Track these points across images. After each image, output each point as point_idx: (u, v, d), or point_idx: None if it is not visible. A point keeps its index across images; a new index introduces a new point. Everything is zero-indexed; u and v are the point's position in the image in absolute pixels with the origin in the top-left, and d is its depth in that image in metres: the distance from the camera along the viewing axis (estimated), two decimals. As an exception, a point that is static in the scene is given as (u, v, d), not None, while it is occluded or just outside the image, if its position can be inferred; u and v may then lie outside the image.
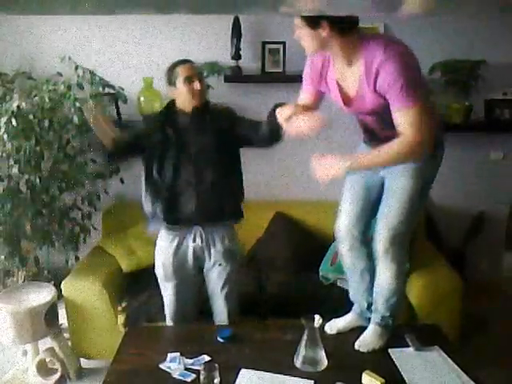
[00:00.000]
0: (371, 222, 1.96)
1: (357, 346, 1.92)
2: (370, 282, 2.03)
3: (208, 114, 2.11)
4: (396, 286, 1.91)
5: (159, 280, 2.24)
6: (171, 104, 2.14)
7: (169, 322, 2.29)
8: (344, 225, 1.97)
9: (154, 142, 2.08)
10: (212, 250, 2.16)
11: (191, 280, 2.21)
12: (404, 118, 1.60)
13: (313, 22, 1.61)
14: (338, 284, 2.65)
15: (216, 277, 2.20)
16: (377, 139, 1.78)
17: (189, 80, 2.03)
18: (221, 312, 2.25)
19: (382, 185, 1.88)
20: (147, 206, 2.16)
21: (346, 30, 1.63)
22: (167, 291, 2.23)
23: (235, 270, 2.23)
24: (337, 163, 1.70)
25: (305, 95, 1.91)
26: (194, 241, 2.14)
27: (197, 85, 2.03)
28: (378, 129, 1.78)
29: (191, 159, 2.06)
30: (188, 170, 2.07)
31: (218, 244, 2.16)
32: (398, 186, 1.80)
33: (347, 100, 1.76)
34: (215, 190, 2.08)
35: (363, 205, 1.93)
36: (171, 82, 2.07)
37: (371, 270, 2.02)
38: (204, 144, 2.08)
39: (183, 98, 2.06)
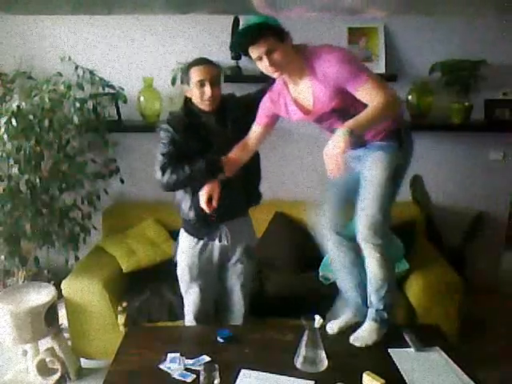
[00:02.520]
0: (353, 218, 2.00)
1: (351, 339, 1.93)
2: (358, 277, 2.04)
3: (226, 110, 2.06)
4: (383, 276, 1.92)
5: (182, 281, 2.22)
6: (189, 102, 2.05)
7: (190, 322, 2.27)
8: (326, 222, 2.04)
9: (186, 144, 2.01)
10: (236, 249, 2.18)
11: (215, 279, 2.22)
12: (366, 92, 1.72)
13: (248, 54, 1.78)
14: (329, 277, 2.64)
15: (237, 274, 2.22)
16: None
17: (201, 84, 1.95)
18: (238, 310, 2.27)
19: (359, 181, 1.94)
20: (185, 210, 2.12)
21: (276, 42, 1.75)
22: (191, 291, 2.21)
23: (253, 267, 2.27)
24: (338, 136, 1.64)
25: (258, 127, 2.03)
26: (220, 240, 2.14)
27: (208, 91, 1.94)
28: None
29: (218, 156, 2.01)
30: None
31: (242, 242, 2.18)
32: (371, 176, 1.88)
33: (307, 110, 1.88)
34: (242, 182, 2.08)
35: (343, 202, 2.02)
36: (183, 81, 2.02)
37: (359, 266, 2.03)
38: (228, 139, 2.03)
39: (196, 99, 2.00)
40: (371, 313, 1.98)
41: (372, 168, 1.88)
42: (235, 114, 2.06)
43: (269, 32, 1.73)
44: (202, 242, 2.15)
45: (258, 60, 1.77)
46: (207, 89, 1.94)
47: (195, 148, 2.01)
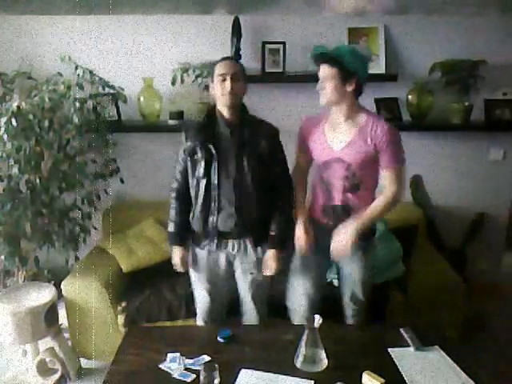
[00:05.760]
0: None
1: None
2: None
3: (247, 126, 2.05)
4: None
5: (192, 280, 2.25)
6: (211, 111, 2.09)
7: (199, 322, 2.30)
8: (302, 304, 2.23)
9: (197, 156, 2.05)
10: (244, 259, 2.14)
11: (223, 284, 2.21)
12: (391, 175, 1.99)
13: (345, 76, 1.92)
14: (334, 283, 2.63)
15: (248, 284, 2.19)
16: (331, 204, 2.08)
17: (222, 77, 1.98)
18: (250, 315, 2.27)
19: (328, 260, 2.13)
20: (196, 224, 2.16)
21: (360, 92, 2.00)
22: (200, 293, 2.24)
23: (267, 279, 2.20)
24: (350, 229, 1.97)
25: (303, 155, 2.18)
26: (226, 247, 2.13)
27: (228, 84, 1.96)
28: (341, 189, 2.04)
29: (230, 175, 2.03)
30: (227, 186, 2.03)
31: (251, 253, 2.14)
32: (353, 271, 2.15)
33: (331, 150, 2.04)
34: (256, 204, 2.07)
35: (317, 281, 2.22)
36: (212, 79, 2.05)
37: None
38: (243, 158, 2.03)
39: (217, 97, 2.02)
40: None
41: (354, 267, 2.14)
42: (253, 137, 2.04)
43: (338, 66, 1.92)
44: (205, 251, 2.15)
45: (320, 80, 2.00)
46: (227, 83, 1.97)
47: (202, 159, 2.03)
